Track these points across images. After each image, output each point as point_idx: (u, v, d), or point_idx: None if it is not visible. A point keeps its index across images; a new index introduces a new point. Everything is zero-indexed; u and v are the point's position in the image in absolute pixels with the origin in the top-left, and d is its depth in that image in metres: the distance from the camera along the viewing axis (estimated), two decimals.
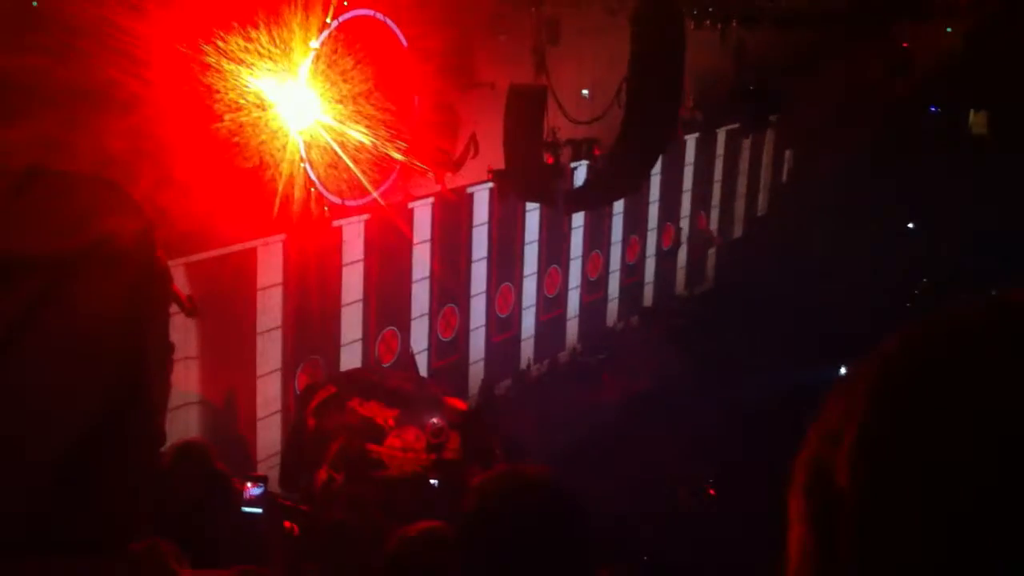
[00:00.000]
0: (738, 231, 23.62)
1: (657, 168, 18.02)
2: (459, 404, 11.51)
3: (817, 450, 0.75)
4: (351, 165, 12.49)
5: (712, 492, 11.03)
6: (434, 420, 10.67)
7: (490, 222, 16.18)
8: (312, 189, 12.94)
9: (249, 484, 5.48)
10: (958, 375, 0.69)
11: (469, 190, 15.54)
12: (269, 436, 12.92)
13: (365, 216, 13.79)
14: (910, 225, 23.81)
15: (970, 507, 0.64)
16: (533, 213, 17.08)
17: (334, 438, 10.82)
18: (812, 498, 0.75)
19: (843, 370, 16.45)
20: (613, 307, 19.83)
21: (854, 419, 0.71)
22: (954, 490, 0.65)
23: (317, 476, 10.79)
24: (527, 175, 14.57)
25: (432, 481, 10.17)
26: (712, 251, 22.68)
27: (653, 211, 20.48)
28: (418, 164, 13.35)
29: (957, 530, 0.64)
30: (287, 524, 6.44)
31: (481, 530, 2.13)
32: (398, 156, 12.64)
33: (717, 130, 21.63)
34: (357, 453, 10.65)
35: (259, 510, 5.31)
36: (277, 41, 11.16)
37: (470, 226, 15.88)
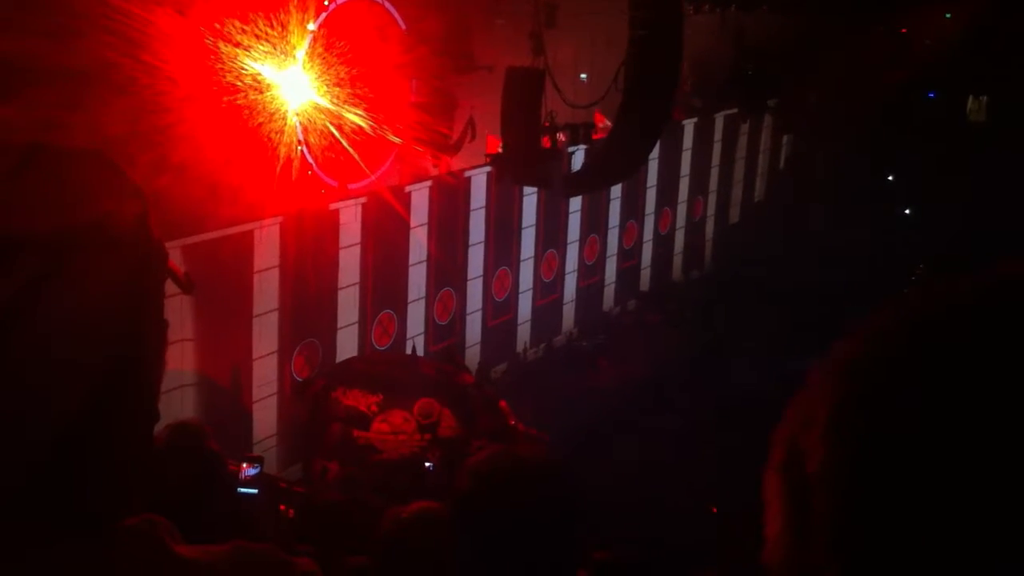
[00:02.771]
0: (735, 216, 23.62)
1: (655, 153, 18.01)
2: (465, 379, 11.50)
3: (792, 431, 0.76)
4: (348, 148, 12.49)
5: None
6: (422, 400, 10.73)
7: (487, 206, 16.17)
8: (309, 172, 12.94)
9: (245, 465, 5.51)
10: (925, 359, 0.70)
11: (467, 174, 15.53)
12: (265, 418, 12.95)
13: (362, 199, 13.79)
14: (907, 211, 23.84)
15: (939, 489, 0.66)
16: (531, 197, 17.07)
17: (324, 430, 10.93)
18: (787, 478, 0.76)
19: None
20: (610, 291, 19.85)
21: (826, 402, 0.73)
22: (923, 473, 0.67)
23: (313, 467, 10.89)
24: (525, 159, 14.55)
25: (427, 464, 10.22)
26: (709, 236, 22.69)
27: (651, 196, 20.48)
28: (416, 147, 13.34)
29: (927, 512, 0.66)
30: (282, 507, 6.48)
31: (475, 511, 2.15)
32: (395, 139, 12.64)
33: (715, 115, 21.61)
34: (344, 441, 10.73)
35: (255, 491, 5.34)
36: (275, 24, 11.14)
37: (467, 210, 15.88)
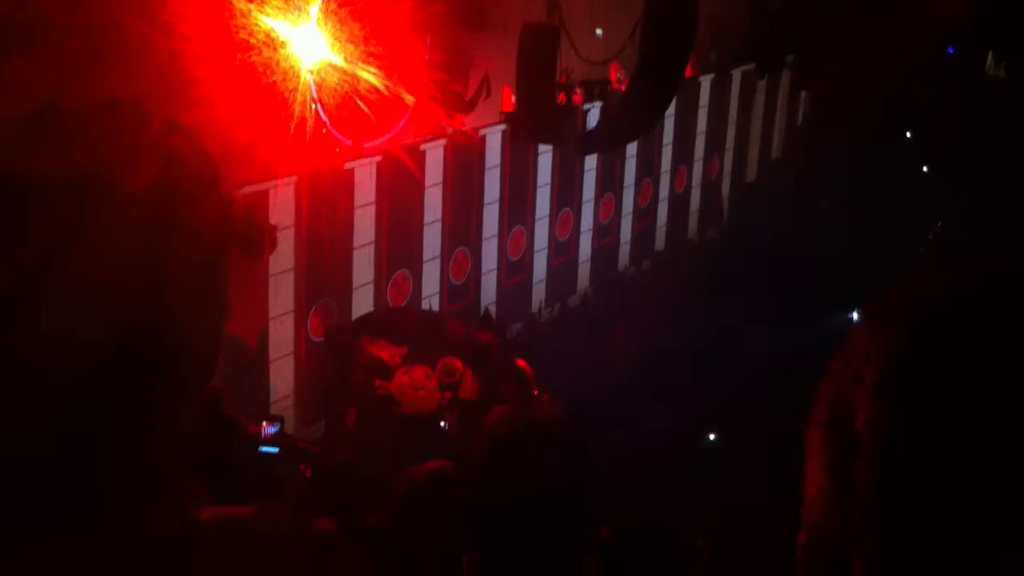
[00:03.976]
0: (752, 175, 23.46)
1: (671, 110, 17.86)
2: (494, 342, 11.50)
3: (838, 388, 0.74)
4: (363, 107, 12.41)
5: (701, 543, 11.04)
6: (446, 359, 10.75)
7: (502, 165, 16.09)
8: (324, 130, 12.88)
9: (265, 424, 5.53)
10: (988, 323, 0.68)
11: (481, 132, 15.44)
12: (282, 378, 13.00)
13: (377, 158, 13.74)
14: (924, 169, 23.63)
15: (989, 451, 0.63)
16: (545, 156, 16.98)
17: (348, 376, 11.00)
18: (831, 435, 0.74)
19: (855, 316, 16.44)
20: (625, 251, 19.77)
21: (875, 362, 0.70)
22: (975, 435, 0.64)
23: (334, 412, 11.01)
24: (540, 116, 14.46)
25: (443, 423, 10.26)
26: (726, 195, 22.56)
27: (666, 154, 20.33)
28: (430, 106, 13.25)
29: (974, 472, 0.64)
30: (301, 466, 6.50)
31: (488, 474, 2.14)
32: (409, 98, 12.55)
33: (732, 71, 21.39)
34: (366, 390, 10.80)
35: (275, 449, 5.36)
36: None
37: (482, 169, 15.81)
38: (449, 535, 2.49)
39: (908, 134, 24.07)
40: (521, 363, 11.07)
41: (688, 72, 17.10)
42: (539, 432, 2.18)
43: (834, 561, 0.72)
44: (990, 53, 23.82)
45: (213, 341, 1.10)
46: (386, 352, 10.93)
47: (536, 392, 10.76)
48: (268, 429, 5.46)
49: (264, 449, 5.28)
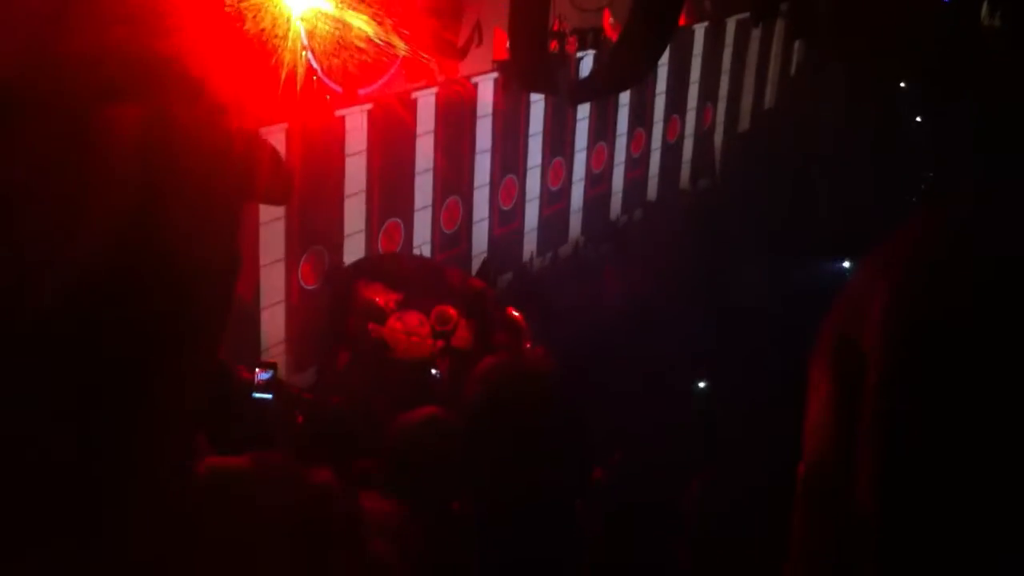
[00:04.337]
0: (745, 124, 23.37)
1: (664, 59, 17.73)
2: (481, 289, 11.50)
3: (843, 321, 0.75)
4: (354, 54, 12.29)
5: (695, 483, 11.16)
6: (440, 307, 10.77)
7: (494, 113, 16.00)
8: (314, 78, 12.77)
9: (258, 370, 5.55)
10: (988, 261, 0.68)
11: (473, 80, 15.33)
12: (273, 325, 13.01)
13: (368, 106, 13.64)
14: (918, 119, 23.57)
15: (997, 382, 0.64)
16: (538, 104, 16.88)
17: (344, 318, 11.07)
18: (835, 368, 0.75)
19: (848, 263, 16.47)
20: (617, 200, 19.74)
21: (880, 297, 0.71)
22: (981, 365, 0.65)
23: (327, 352, 11.08)
24: (532, 65, 14.35)
25: (434, 371, 10.31)
26: (718, 145, 22.49)
27: (659, 103, 20.22)
28: (421, 54, 13.14)
29: (982, 402, 0.65)
30: (295, 412, 6.53)
31: (484, 418, 2.15)
32: (401, 45, 12.44)
33: (726, 19, 21.22)
34: (360, 333, 10.85)
35: (269, 395, 5.38)
36: None
37: (474, 117, 15.71)
38: (443, 479, 2.51)
39: (902, 84, 23.97)
40: (515, 315, 11.08)
41: (682, 20, 16.95)
42: (531, 377, 2.19)
43: (834, 491, 0.73)
44: (986, 2, 23.65)
45: (222, 288, 1.09)
46: (381, 297, 10.96)
47: (529, 345, 10.80)
48: (261, 376, 5.48)
49: (258, 396, 5.31)
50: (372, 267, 11.89)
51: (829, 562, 0.72)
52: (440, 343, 10.69)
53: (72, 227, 0.96)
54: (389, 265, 11.88)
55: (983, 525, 0.63)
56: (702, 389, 12.99)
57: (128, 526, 1.01)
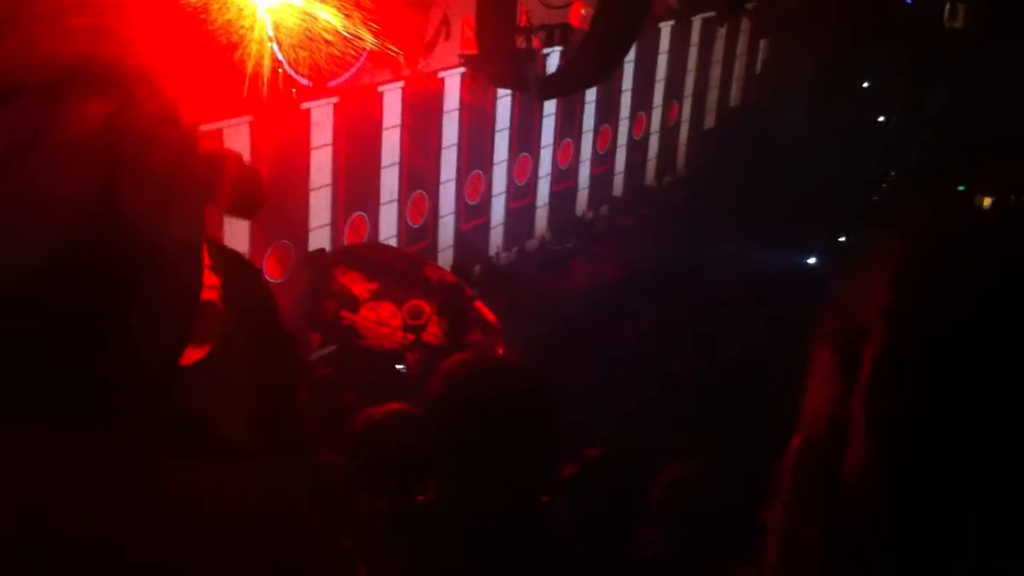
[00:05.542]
0: (710, 122, 23.50)
1: (630, 56, 17.79)
2: (457, 288, 11.45)
3: (848, 306, 0.76)
4: (321, 46, 12.22)
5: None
6: (414, 301, 10.76)
7: (461, 108, 15.98)
8: (280, 70, 12.68)
9: None
10: (984, 256, 0.70)
11: (440, 75, 15.30)
12: None
13: (334, 99, 13.58)
14: (881, 119, 23.80)
15: (998, 375, 0.65)
16: (505, 100, 16.88)
17: (319, 302, 11.04)
18: (837, 343, 0.76)
19: (812, 260, 16.60)
20: (583, 196, 19.79)
21: (889, 284, 0.72)
22: (984, 357, 0.67)
23: (298, 334, 11.04)
24: (499, 60, 14.33)
25: (399, 366, 10.30)
26: (683, 142, 22.61)
27: (625, 100, 20.30)
28: (388, 47, 13.09)
29: (980, 384, 0.66)
30: None
31: (448, 415, 2.15)
32: (368, 38, 12.39)
33: (692, 18, 21.32)
34: (333, 318, 10.83)
35: None
36: None
37: (441, 112, 15.69)
38: (407, 474, 2.51)
39: (865, 84, 24.20)
40: (490, 317, 11.11)
41: (648, 18, 17.00)
42: (499, 373, 2.19)
43: (825, 463, 0.75)
44: (948, 3, 23.90)
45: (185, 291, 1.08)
46: (357, 285, 10.95)
47: (501, 350, 10.81)
48: None
49: None
50: (353, 254, 11.88)
51: (814, 538, 0.73)
52: (411, 336, 10.68)
53: (28, 218, 0.96)
54: (371, 254, 11.85)
55: (983, 515, 0.65)
56: (674, 378, 13.06)
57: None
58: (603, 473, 3.27)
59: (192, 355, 1.12)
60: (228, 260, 1.11)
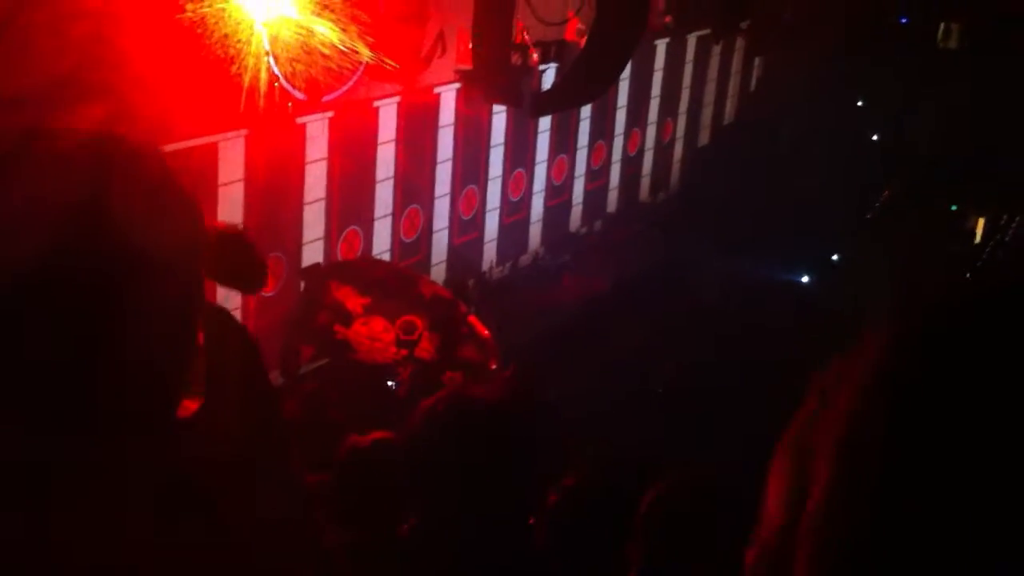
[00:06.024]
0: (704, 139, 23.57)
1: (625, 73, 17.85)
2: (450, 304, 11.45)
3: (805, 419, 0.76)
4: (317, 60, 12.25)
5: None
6: (407, 317, 10.77)
7: (456, 123, 16.02)
8: (276, 84, 12.70)
9: None
10: (954, 380, 0.69)
11: (436, 90, 15.34)
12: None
13: (329, 113, 13.60)
14: (875, 138, 23.90)
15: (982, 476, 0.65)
16: (500, 115, 16.92)
17: (313, 315, 11.05)
18: (796, 455, 0.76)
19: (805, 279, 16.64)
20: (577, 212, 19.83)
21: (843, 392, 0.72)
22: (939, 471, 0.66)
23: (290, 347, 11.06)
24: (495, 76, 14.39)
25: (390, 383, 10.30)
26: (678, 159, 22.67)
27: (620, 116, 20.35)
28: (385, 61, 13.13)
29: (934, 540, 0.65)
30: None
31: (426, 455, 2.17)
32: (365, 52, 12.42)
33: (688, 35, 21.40)
34: (325, 332, 10.84)
35: None
36: None
37: (436, 127, 15.72)
38: (389, 505, 2.53)
39: (860, 103, 24.29)
40: (485, 333, 11.10)
41: (643, 35, 17.07)
42: (479, 411, 2.21)
43: (778, 569, 0.75)
44: (942, 23, 24.03)
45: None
46: (351, 300, 10.96)
47: (494, 366, 10.81)
48: None
49: None
50: (348, 269, 11.91)
51: None
52: (404, 352, 10.69)
53: (21, 222, 0.97)
54: (365, 269, 11.87)
55: None
56: (662, 390, 13.11)
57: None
58: (581, 502, 3.28)
59: (188, 406, 1.15)
60: (211, 317, 1.13)
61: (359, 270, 11.88)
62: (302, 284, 12.10)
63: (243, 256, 1.34)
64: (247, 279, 1.36)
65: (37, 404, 0.97)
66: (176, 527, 1.06)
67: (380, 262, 13.97)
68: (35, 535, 0.98)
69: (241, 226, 1.15)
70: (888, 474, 0.67)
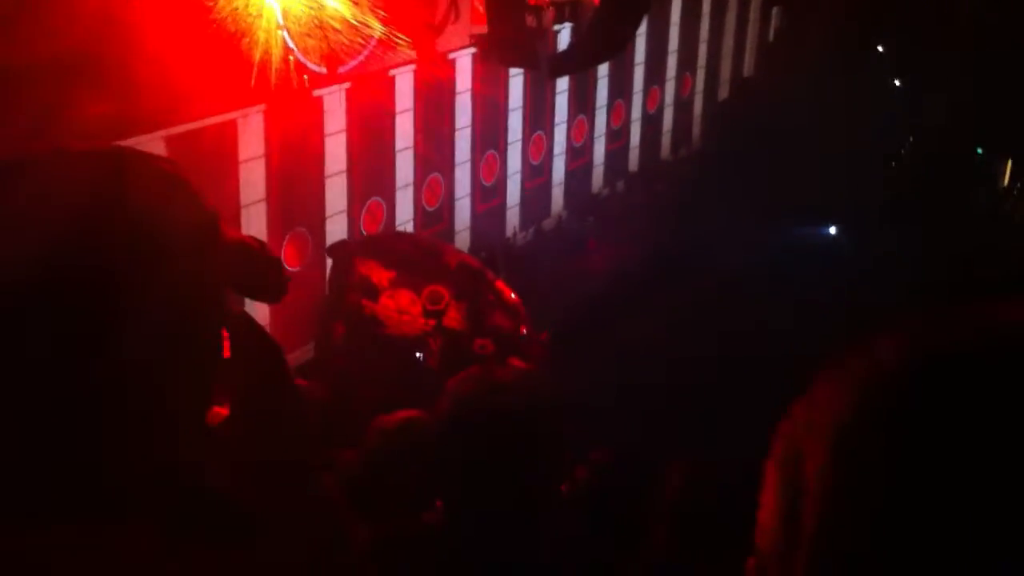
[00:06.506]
0: (724, 93, 23.33)
1: (642, 29, 17.68)
2: (476, 271, 11.43)
3: (795, 430, 0.75)
4: (330, 33, 12.19)
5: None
6: (432, 287, 10.78)
7: (473, 89, 15.92)
8: (291, 58, 12.66)
9: None
10: (942, 400, 0.68)
11: (451, 56, 15.24)
12: (256, 309, 12.95)
13: (346, 85, 13.55)
14: (896, 82, 23.58)
15: (925, 521, 0.64)
16: (517, 79, 16.81)
17: (343, 292, 11.11)
18: (784, 473, 0.75)
19: (831, 228, 16.52)
20: (599, 173, 19.72)
21: (832, 412, 0.71)
22: (911, 498, 0.65)
23: (325, 327, 11.14)
24: (510, 39, 14.28)
25: (417, 354, 10.32)
26: (698, 113, 22.47)
27: (638, 74, 20.17)
28: (397, 33, 13.04)
29: (908, 536, 0.64)
30: None
31: (454, 436, 2.17)
32: (376, 24, 12.33)
33: None
34: (354, 308, 10.89)
35: None
36: None
37: (453, 94, 15.64)
38: (415, 487, 2.52)
39: (880, 48, 23.95)
40: (514, 298, 11.09)
41: None
42: (504, 392, 2.19)
43: None
44: None
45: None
46: (375, 274, 10.99)
47: (524, 331, 10.81)
48: None
49: None
50: (373, 244, 11.93)
51: None
52: (432, 322, 10.70)
53: (36, 209, 0.95)
54: (390, 243, 11.88)
55: None
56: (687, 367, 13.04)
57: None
58: (609, 477, 3.27)
59: (217, 414, 1.12)
60: (235, 326, 1.10)
61: (383, 244, 11.89)
62: (329, 263, 12.12)
63: (262, 266, 1.32)
64: (265, 289, 1.34)
65: (42, 401, 0.95)
66: (202, 550, 1.04)
67: (404, 234, 13.96)
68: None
69: (261, 239, 1.13)
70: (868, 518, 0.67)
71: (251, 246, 1.21)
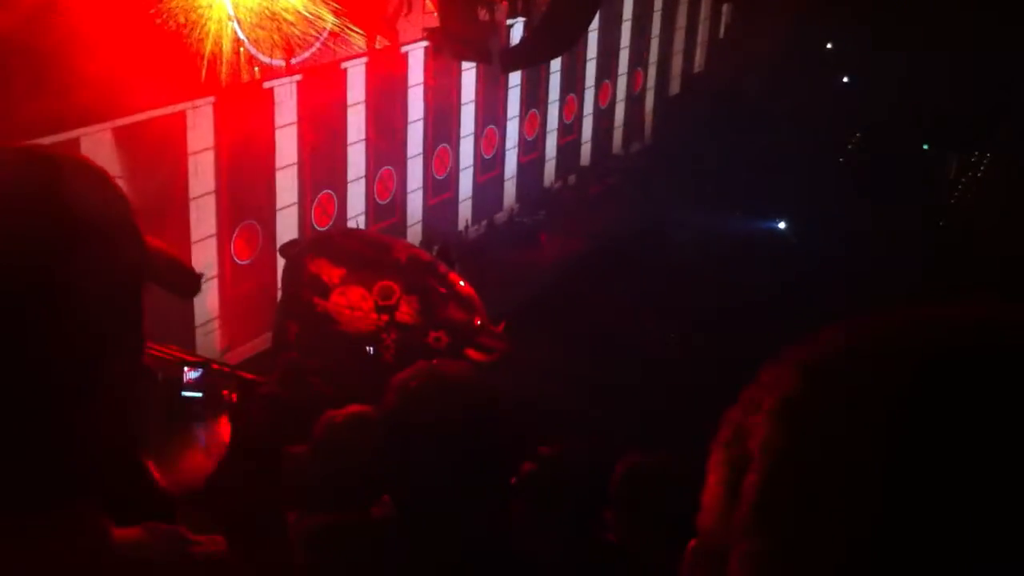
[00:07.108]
0: (675, 88, 23.50)
1: (594, 24, 17.75)
2: (425, 264, 11.42)
3: (739, 412, 0.79)
4: (282, 25, 12.13)
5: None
6: (383, 282, 10.77)
7: (426, 83, 15.89)
8: (241, 49, 12.55)
9: (187, 369, 5.51)
10: (886, 371, 0.72)
11: (404, 49, 15.20)
12: (205, 302, 12.86)
13: (297, 77, 13.47)
14: (844, 79, 23.88)
15: (867, 497, 0.67)
16: (469, 73, 16.80)
17: (295, 292, 11.07)
18: (727, 454, 0.78)
19: (782, 224, 16.63)
20: (550, 167, 19.79)
21: (779, 390, 0.75)
22: (852, 473, 0.69)
23: (279, 326, 11.10)
24: (463, 33, 14.27)
25: (368, 348, 10.32)
26: (649, 109, 22.60)
27: (590, 69, 20.25)
28: (349, 24, 12.98)
29: (850, 509, 0.68)
30: (224, 392, 6.47)
31: (398, 431, 2.19)
32: (329, 17, 12.28)
33: None
34: (306, 306, 10.86)
35: (199, 394, 5.35)
36: None
37: (405, 87, 15.60)
38: (367, 479, 2.55)
39: (828, 45, 24.25)
40: (467, 291, 11.09)
41: None
42: (450, 386, 2.22)
43: (717, 562, 0.77)
44: None
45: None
46: (325, 271, 10.96)
47: (479, 322, 10.82)
48: (190, 374, 5.44)
49: (187, 394, 5.26)
50: (322, 242, 11.88)
51: None
52: (385, 317, 10.70)
53: None
54: (339, 241, 11.84)
55: None
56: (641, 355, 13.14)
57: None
58: (558, 469, 3.31)
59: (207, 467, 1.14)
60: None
61: (332, 241, 11.86)
62: (281, 261, 12.07)
63: (177, 265, 1.41)
64: (182, 285, 1.43)
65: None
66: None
67: (353, 231, 13.89)
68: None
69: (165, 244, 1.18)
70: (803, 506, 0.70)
71: (165, 249, 1.26)
